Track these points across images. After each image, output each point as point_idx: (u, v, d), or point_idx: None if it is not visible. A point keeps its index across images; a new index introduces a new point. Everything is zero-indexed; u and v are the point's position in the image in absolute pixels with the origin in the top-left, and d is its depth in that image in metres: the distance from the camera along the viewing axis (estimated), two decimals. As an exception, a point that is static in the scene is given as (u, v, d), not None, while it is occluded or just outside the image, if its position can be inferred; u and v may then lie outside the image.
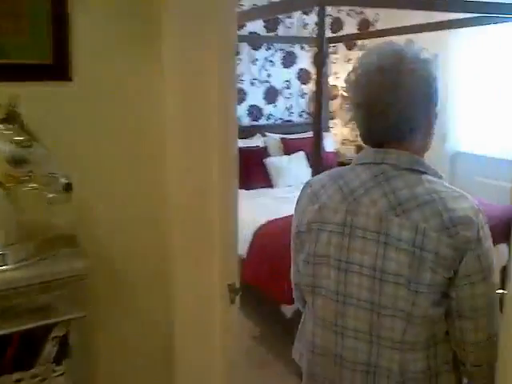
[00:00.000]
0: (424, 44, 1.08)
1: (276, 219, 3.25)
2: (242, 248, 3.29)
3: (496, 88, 4.16)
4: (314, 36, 5.04)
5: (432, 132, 1.12)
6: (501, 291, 1.00)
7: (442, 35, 4.31)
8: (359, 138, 1.12)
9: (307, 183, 1.20)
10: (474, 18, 3.45)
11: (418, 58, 1.03)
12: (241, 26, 4.67)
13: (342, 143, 5.63)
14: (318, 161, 2.46)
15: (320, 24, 2.52)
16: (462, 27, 3.89)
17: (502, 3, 2.90)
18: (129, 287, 1.79)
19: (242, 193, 4.12)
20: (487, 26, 3.52)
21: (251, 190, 4.16)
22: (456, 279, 0.98)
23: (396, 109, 1.01)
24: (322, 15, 2.54)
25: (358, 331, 1.05)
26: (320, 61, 2.29)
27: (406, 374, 1.02)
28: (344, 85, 1.19)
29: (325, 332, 1.11)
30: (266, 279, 2.91)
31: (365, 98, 1.05)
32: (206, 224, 1.47)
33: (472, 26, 3.69)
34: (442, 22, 3.86)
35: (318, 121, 2.36)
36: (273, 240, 3.01)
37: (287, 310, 2.76)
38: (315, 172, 2.47)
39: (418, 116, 1.05)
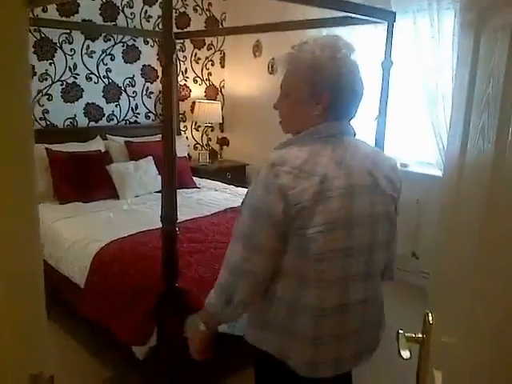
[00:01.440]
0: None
1: (119, 239, 2.71)
2: (79, 276, 2.69)
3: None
4: (159, 30, 4.65)
5: None
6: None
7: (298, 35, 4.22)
8: (324, 115, 1.30)
9: (274, 164, 1.23)
10: (333, 18, 3.34)
11: None
12: (72, 13, 4.01)
13: (195, 148, 5.26)
14: (171, 167, 2.03)
15: (165, 15, 2.06)
16: (314, 27, 3.79)
17: (361, 4, 2.78)
18: None
19: (80, 206, 3.48)
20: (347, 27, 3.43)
21: (91, 203, 3.54)
22: None
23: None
24: (167, 7, 2.08)
25: (359, 274, 1.29)
26: (167, 57, 1.84)
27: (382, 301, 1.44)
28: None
29: (333, 289, 1.27)
30: (108, 314, 2.37)
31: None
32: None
33: (329, 26, 3.60)
34: (289, 22, 3.71)
35: (170, 123, 1.92)
36: (116, 266, 2.48)
37: (139, 351, 2.26)
38: (167, 180, 2.04)
39: None
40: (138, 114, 4.68)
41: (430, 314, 1.00)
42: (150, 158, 3.98)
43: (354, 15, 2.82)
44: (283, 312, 1.30)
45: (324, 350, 1.30)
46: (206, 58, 5.18)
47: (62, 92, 4.10)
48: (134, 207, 3.52)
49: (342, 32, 4.06)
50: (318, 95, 1.27)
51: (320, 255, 1.22)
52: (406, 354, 0.99)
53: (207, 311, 1.37)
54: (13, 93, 0.77)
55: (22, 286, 0.82)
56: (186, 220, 3.10)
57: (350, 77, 1.28)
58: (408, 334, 1.04)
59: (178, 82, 4.88)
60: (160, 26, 4.56)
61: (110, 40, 4.33)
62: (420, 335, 1.01)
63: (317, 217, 1.19)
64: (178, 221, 2.30)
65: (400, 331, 1.05)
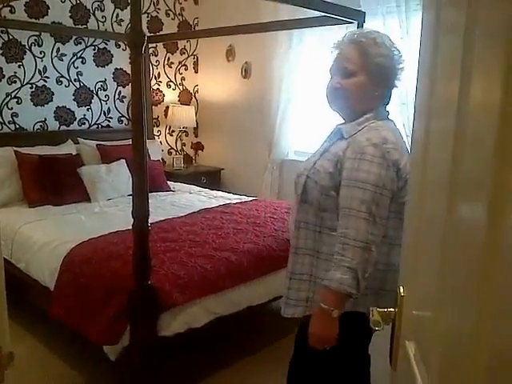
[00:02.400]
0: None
1: (90, 240, 2.65)
2: (49, 278, 2.62)
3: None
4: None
5: None
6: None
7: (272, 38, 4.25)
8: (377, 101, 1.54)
9: (377, 144, 1.40)
10: (303, 19, 3.38)
11: None
12: (41, 15, 3.95)
13: (169, 153, 5.22)
14: (142, 171, 2.01)
15: (135, 18, 2.04)
16: (283, 29, 3.83)
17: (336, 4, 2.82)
18: None
19: (50, 209, 3.40)
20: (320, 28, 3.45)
21: (62, 206, 3.45)
22: None
23: None
24: (137, 10, 2.07)
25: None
26: (138, 61, 1.82)
27: None
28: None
29: (395, 249, 1.43)
30: (80, 316, 2.30)
31: None
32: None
33: (300, 27, 3.64)
34: (265, 23, 3.73)
35: (141, 126, 1.90)
36: (86, 266, 2.42)
37: (111, 351, 2.20)
38: (138, 183, 2.01)
39: None
40: (110, 118, 4.62)
41: (401, 288, 0.99)
42: (123, 161, 3.91)
43: (324, 14, 2.86)
44: (379, 274, 1.44)
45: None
46: (179, 62, 5.17)
47: (31, 95, 4.02)
48: (106, 209, 3.46)
49: (312, 37, 4.12)
50: (385, 79, 1.50)
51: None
52: (378, 326, 0.99)
53: (341, 294, 1.36)
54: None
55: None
56: (160, 221, 3.06)
57: (402, 67, 1.53)
58: (380, 309, 1.03)
59: (151, 87, 4.84)
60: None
61: (80, 43, 4.28)
62: (392, 309, 1.01)
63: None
64: (152, 221, 2.29)
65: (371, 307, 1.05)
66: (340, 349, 1.45)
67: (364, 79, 1.48)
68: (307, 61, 4.24)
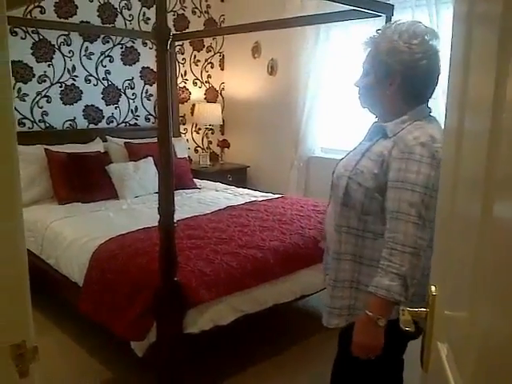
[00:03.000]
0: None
1: (118, 236, 2.67)
2: (78, 274, 2.66)
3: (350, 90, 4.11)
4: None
5: None
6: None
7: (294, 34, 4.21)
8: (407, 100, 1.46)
9: (425, 143, 1.34)
10: (331, 13, 3.32)
11: None
12: (70, 14, 4.01)
13: (195, 151, 5.24)
14: (168, 168, 2.02)
15: (161, 16, 2.04)
16: (311, 24, 3.78)
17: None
18: None
19: (79, 206, 3.45)
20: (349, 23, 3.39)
21: (91, 203, 3.50)
22: None
23: None
24: (162, 5, 2.07)
25: None
26: (163, 55, 1.82)
27: None
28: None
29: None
30: (107, 311, 2.33)
31: None
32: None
33: (327, 22, 3.59)
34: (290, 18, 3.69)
35: (166, 118, 1.90)
36: (113, 262, 2.44)
37: (138, 347, 2.22)
38: (164, 180, 2.02)
39: None
40: (137, 116, 4.66)
41: (432, 287, 0.96)
42: (150, 158, 3.95)
43: (351, 8, 2.81)
44: (425, 280, 1.35)
45: None
46: (206, 60, 5.18)
47: (60, 94, 4.09)
48: (134, 206, 3.49)
49: (339, 32, 4.06)
50: (391, 76, 1.41)
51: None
52: (409, 327, 0.95)
53: (388, 302, 1.30)
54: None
55: (3, 254, 0.79)
56: (186, 218, 3.07)
57: (424, 63, 1.38)
58: (411, 309, 1.00)
59: (177, 85, 4.87)
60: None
61: (108, 42, 4.33)
62: (424, 309, 0.97)
63: None
64: (178, 218, 2.28)
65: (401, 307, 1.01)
66: (381, 355, 1.40)
67: (372, 78, 1.46)
68: (334, 56, 4.19)
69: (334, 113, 4.34)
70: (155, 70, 1.82)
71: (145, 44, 4.59)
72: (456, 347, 0.85)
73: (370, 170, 1.40)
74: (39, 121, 3.99)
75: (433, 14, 3.37)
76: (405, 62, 1.38)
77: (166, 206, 2.05)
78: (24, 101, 3.88)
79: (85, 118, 4.27)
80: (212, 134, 5.34)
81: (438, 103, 3.46)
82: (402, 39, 1.39)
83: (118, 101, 4.49)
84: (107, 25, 4.28)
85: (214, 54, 5.25)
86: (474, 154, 0.79)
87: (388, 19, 2.87)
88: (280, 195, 3.89)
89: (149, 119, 4.75)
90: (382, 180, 1.38)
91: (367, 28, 3.73)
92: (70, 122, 4.18)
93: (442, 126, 1.46)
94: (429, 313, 0.95)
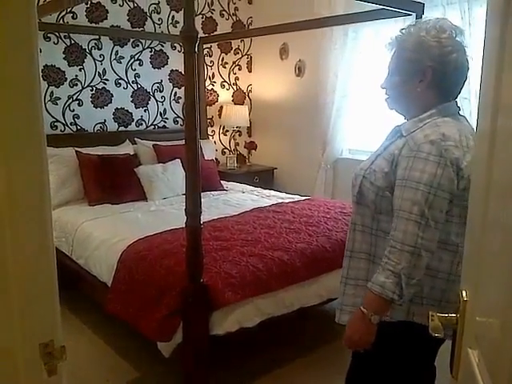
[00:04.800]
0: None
1: (146, 237, 2.70)
2: (107, 274, 2.70)
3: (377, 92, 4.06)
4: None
5: None
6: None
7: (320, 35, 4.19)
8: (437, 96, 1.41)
9: (434, 141, 1.30)
10: (359, 13, 3.28)
11: None
12: (101, 19, 4.09)
13: (223, 153, 5.26)
14: (195, 170, 2.03)
15: (189, 18, 2.05)
16: (341, 24, 3.75)
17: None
18: None
19: (109, 207, 3.50)
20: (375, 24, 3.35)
21: (120, 204, 3.56)
22: None
23: None
24: (190, 6, 2.08)
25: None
26: (192, 61, 1.84)
27: None
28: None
29: (458, 257, 1.34)
30: (135, 311, 2.35)
31: None
32: None
33: (356, 21, 3.54)
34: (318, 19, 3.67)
35: (193, 119, 1.91)
36: (141, 263, 2.47)
37: (164, 348, 2.23)
38: (191, 182, 2.03)
39: None
40: (166, 118, 4.71)
41: (463, 292, 0.93)
42: (178, 160, 3.98)
43: (381, 6, 2.76)
44: (441, 284, 1.36)
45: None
46: (233, 62, 5.19)
47: (91, 97, 4.17)
48: (162, 208, 3.53)
49: (368, 32, 4.01)
50: (421, 73, 1.37)
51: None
52: (438, 333, 0.92)
53: (383, 299, 1.30)
54: (20, 96, 0.77)
55: (32, 254, 0.80)
56: (213, 219, 3.08)
57: (454, 56, 1.35)
58: (441, 314, 0.97)
59: (205, 87, 4.90)
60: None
61: (138, 45, 4.39)
62: (454, 314, 0.94)
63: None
64: (205, 220, 2.28)
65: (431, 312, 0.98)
66: (403, 361, 1.39)
67: (398, 78, 1.43)
68: (363, 56, 4.14)
69: (362, 114, 4.29)
70: (184, 72, 1.84)
71: (173, 47, 4.64)
72: (488, 355, 0.82)
73: (382, 168, 1.39)
74: (71, 124, 4.08)
75: (465, 11, 3.29)
76: (435, 57, 1.35)
77: (193, 207, 2.06)
78: (56, 104, 3.98)
79: (115, 121, 4.34)
80: (239, 135, 5.36)
81: (470, 104, 3.38)
82: (429, 35, 1.36)
83: (147, 104, 4.55)
84: (137, 29, 4.35)
85: (242, 56, 5.26)
86: (508, 157, 0.77)
87: (418, 18, 2.81)
88: (307, 197, 3.86)
89: (177, 121, 4.80)
90: (391, 179, 1.37)
91: (396, 27, 3.67)
92: (100, 125, 4.25)
93: (472, 126, 1.41)
94: (459, 318, 0.92)
